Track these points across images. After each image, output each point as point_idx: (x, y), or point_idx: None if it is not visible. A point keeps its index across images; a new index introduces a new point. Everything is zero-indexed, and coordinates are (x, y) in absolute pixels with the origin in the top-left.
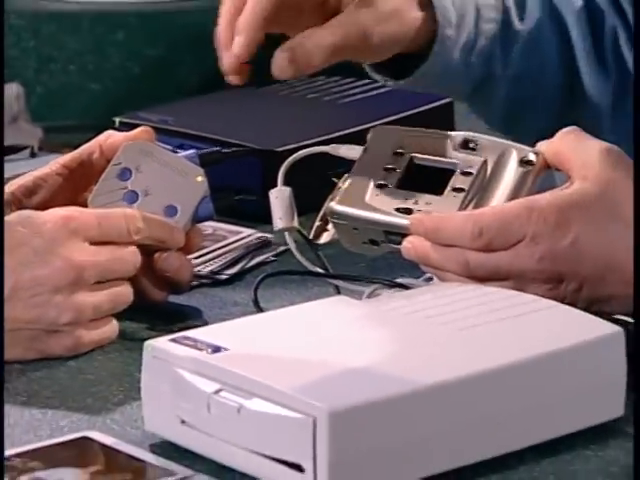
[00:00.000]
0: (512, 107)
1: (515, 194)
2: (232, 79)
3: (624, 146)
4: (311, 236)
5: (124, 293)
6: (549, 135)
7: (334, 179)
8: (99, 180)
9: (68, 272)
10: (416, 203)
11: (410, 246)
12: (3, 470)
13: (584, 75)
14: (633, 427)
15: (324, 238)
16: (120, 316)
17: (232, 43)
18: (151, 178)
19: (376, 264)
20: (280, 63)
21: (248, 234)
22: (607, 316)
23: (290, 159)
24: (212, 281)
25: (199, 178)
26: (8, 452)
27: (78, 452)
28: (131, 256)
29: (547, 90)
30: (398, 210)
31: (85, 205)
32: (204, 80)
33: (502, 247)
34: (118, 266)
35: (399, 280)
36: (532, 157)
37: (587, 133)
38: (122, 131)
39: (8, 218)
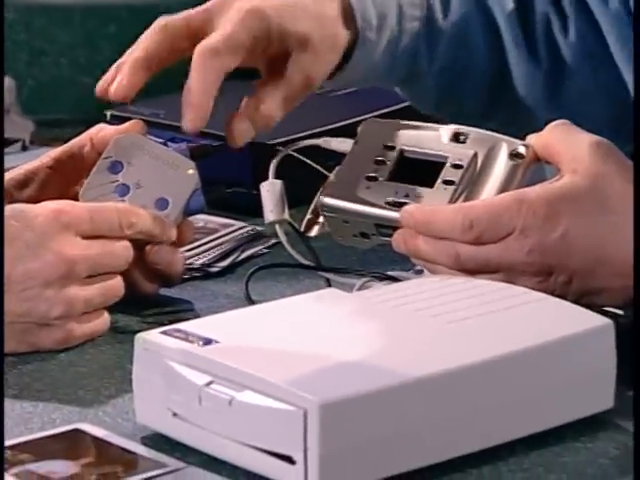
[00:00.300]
0: (440, 95)
1: (505, 187)
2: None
3: None
4: (302, 229)
5: (115, 287)
6: (482, 119)
7: (325, 172)
8: (90, 173)
9: (59, 266)
10: (407, 196)
11: (400, 239)
12: (3, 469)
13: (513, 66)
14: (633, 425)
15: (315, 231)
16: (111, 309)
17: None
18: (142, 171)
19: (367, 257)
20: (241, 134)
21: (239, 227)
22: (597, 308)
23: (282, 152)
24: (203, 274)
25: (190, 171)
26: None
27: (69, 444)
28: (123, 250)
29: (475, 79)
30: (388, 203)
31: (76, 198)
32: None
33: (492, 240)
34: (109, 260)
35: (390, 273)
36: (522, 150)
37: (522, 120)
38: (113, 124)
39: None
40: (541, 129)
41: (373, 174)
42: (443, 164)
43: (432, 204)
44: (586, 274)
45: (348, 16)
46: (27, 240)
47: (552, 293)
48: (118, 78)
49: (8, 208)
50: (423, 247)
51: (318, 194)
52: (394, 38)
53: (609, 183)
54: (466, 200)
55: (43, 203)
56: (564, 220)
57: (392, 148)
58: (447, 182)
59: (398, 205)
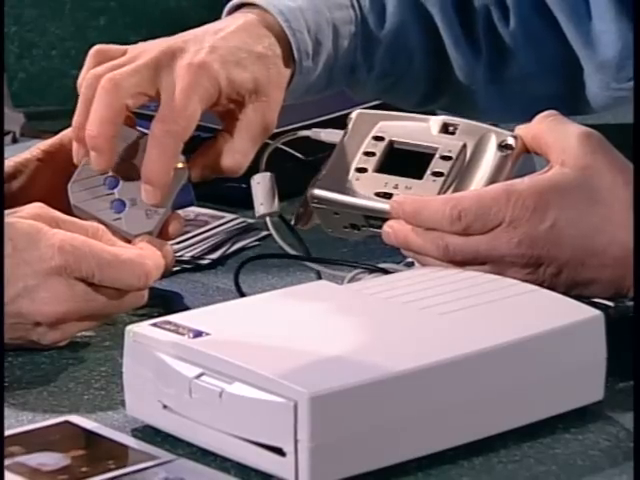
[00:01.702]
0: (380, 95)
1: (494, 178)
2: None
3: (497, 117)
4: (292, 221)
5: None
6: (422, 106)
7: (315, 164)
8: (79, 166)
9: (51, 315)
10: (396, 187)
11: (390, 230)
12: (3, 466)
13: (454, 60)
14: (633, 425)
15: (305, 223)
16: None
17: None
18: (131, 163)
19: (357, 249)
20: (200, 176)
21: (230, 219)
22: (587, 300)
23: (272, 145)
24: (194, 266)
25: (180, 164)
26: None
27: (59, 436)
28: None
29: (413, 79)
30: (378, 194)
31: (65, 191)
32: None
33: (480, 231)
34: (113, 310)
35: (381, 265)
36: (511, 141)
37: (463, 106)
38: None
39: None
40: (478, 112)
41: (362, 165)
42: (432, 155)
43: (421, 195)
44: (575, 265)
45: (286, 51)
46: (28, 285)
47: (541, 285)
48: (94, 155)
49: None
50: (412, 238)
51: (309, 186)
52: (330, 58)
53: (598, 175)
54: (455, 191)
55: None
56: (553, 211)
57: (381, 139)
58: (436, 174)
59: (387, 196)
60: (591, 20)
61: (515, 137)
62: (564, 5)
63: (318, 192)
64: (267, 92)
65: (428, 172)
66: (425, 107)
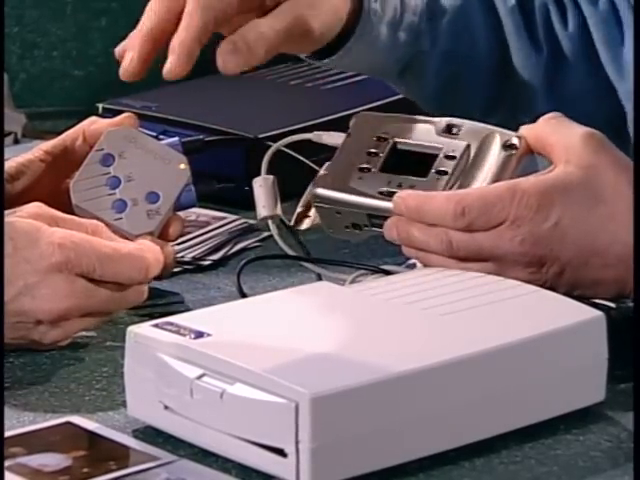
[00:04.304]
0: (442, 85)
1: (498, 177)
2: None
3: None
4: (292, 222)
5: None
6: (484, 114)
7: (316, 166)
8: (82, 165)
9: (53, 312)
10: (399, 186)
11: (392, 226)
12: (3, 467)
13: (514, 51)
14: (633, 425)
15: (305, 224)
16: None
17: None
18: (134, 164)
19: (359, 250)
20: (223, 57)
21: (231, 220)
22: (588, 301)
23: (273, 147)
24: (195, 267)
25: (182, 166)
26: None
27: (61, 437)
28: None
29: (477, 66)
30: (381, 193)
31: (67, 191)
32: None
33: (484, 228)
34: (114, 306)
35: (382, 266)
36: (515, 141)
37: (521, 112)
38: (105, 117)
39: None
40: None
41: (366, 165)
42: (436, 155)
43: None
44: (578, 265)
45: None
46: (29, 283)
47: (544, 285)
48: (128, 56)
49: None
50: (415, 234)
51: (310, 186)
52: (397, 14)
53: (601, 174)
54: (459, 189)
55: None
56: (556, 211)
57: (385, 140)
58: (440, 172)
59: (391, 195)
60: (624, 46)
61: (519, 137)
62: (601, 26)
63: (321, 191)
64: (316, 5)
65: (432, 171)
66: (484, 116)
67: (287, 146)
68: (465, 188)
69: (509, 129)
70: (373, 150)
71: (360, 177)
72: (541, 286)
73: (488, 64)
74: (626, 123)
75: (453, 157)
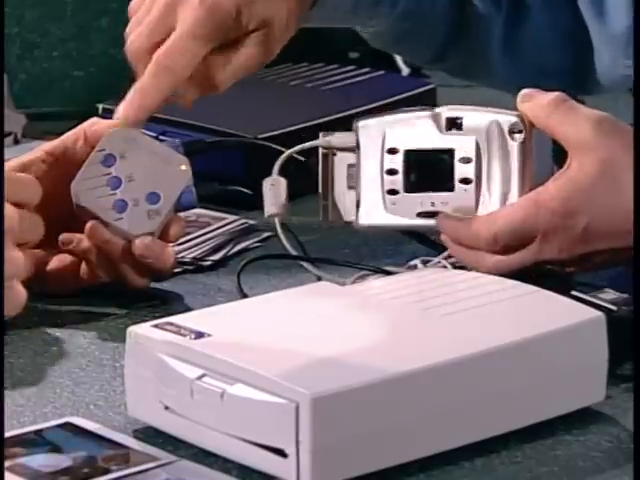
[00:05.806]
0: (397, 45)
1: (523, 171)
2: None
3: (514, 81)
4: (321, 217)
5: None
6: (435, 59)
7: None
8: (83, 165)
9: None
10: (433, 205)
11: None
12: (3, 467)
13: (474, 5)
14: (633, 424)
15: (333, 216)
16: (103, 302)
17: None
18: (135, 165)
19: (360, 250)
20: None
21: (232, 220)
22: (589, 302)
23: (286, 154)
24: (195, 267)
25: (183, 167)
26: None
27: (61, 437)
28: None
29: (434, 26)
30: (420, 215)
31: (69, 192)
32: None
33: (520, 246)
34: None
35: (383, 267)
36: (519, 125)
37: (474, 66)
38: (106, 118)
39: None
40: (490, 77)
41: (391, 187)
42: (451, 159)
43: (459, 208)
44: (616, 250)
45: None
46: None
47: (588, 270)
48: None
49: None
50: (461, 255)
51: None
52: None
53: (617, 164)
54: (491, 200)
55: None
56: (583, 214)
57: (396, 152)
58: (463, 181)
59: (429, 214)
60: None
61: (519, 116)
62: None
63: (363, 222)
64: (280, 26)
65: (456, 181)
66: (438, 63)
67: (290, 146)
68: (498, 197)
69: (459, 77)
70: (390, 167)
71: (393, 202)
72: (586, 271)
73: (446, 22)
74: (590, 74)
75: (468, 160)
